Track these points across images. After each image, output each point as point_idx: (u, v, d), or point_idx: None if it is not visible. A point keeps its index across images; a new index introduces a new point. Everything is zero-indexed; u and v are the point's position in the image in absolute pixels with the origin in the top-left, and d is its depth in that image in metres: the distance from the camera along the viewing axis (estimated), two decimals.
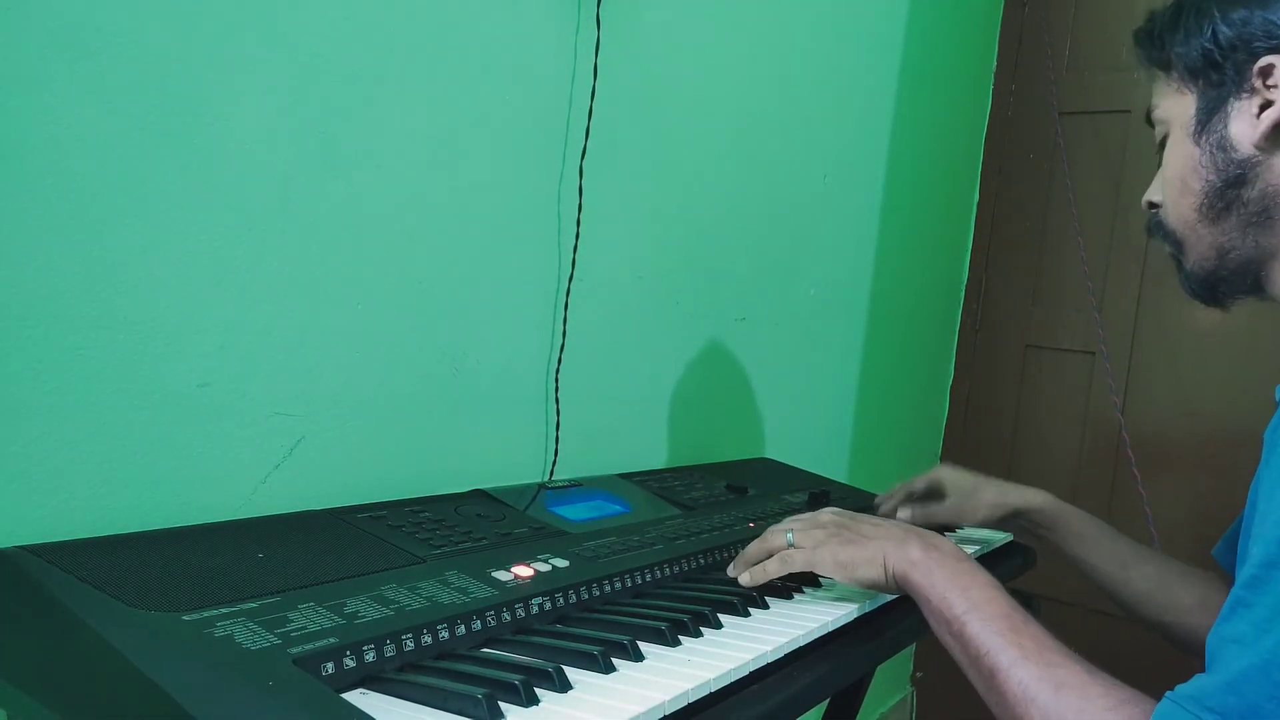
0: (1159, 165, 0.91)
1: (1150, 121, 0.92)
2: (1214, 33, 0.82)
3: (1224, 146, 0.83)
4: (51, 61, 0.71)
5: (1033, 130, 2.31)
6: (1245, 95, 0.81)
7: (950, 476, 1.22)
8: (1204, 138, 0.84)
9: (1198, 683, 0.65)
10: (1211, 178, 0.83)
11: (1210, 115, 0.84)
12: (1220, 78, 0.83)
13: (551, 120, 1.14)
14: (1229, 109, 0.82)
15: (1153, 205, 0.93)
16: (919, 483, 1.25)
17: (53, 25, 0.70)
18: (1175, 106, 0.87)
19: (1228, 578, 1.06)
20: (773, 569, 0.88)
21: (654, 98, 1.30)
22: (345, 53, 0.91)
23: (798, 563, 0.87)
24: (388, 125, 0.96)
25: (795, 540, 0.89)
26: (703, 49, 1.37)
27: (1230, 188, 0.83)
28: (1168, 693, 0.66)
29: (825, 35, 1.69)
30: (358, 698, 0.59)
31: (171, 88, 0.78)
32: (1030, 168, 2.32)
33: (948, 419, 2.45)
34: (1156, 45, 0.88)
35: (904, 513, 1.19)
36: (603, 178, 1.21)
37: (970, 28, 2.28)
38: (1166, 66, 0.88)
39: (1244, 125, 0.82)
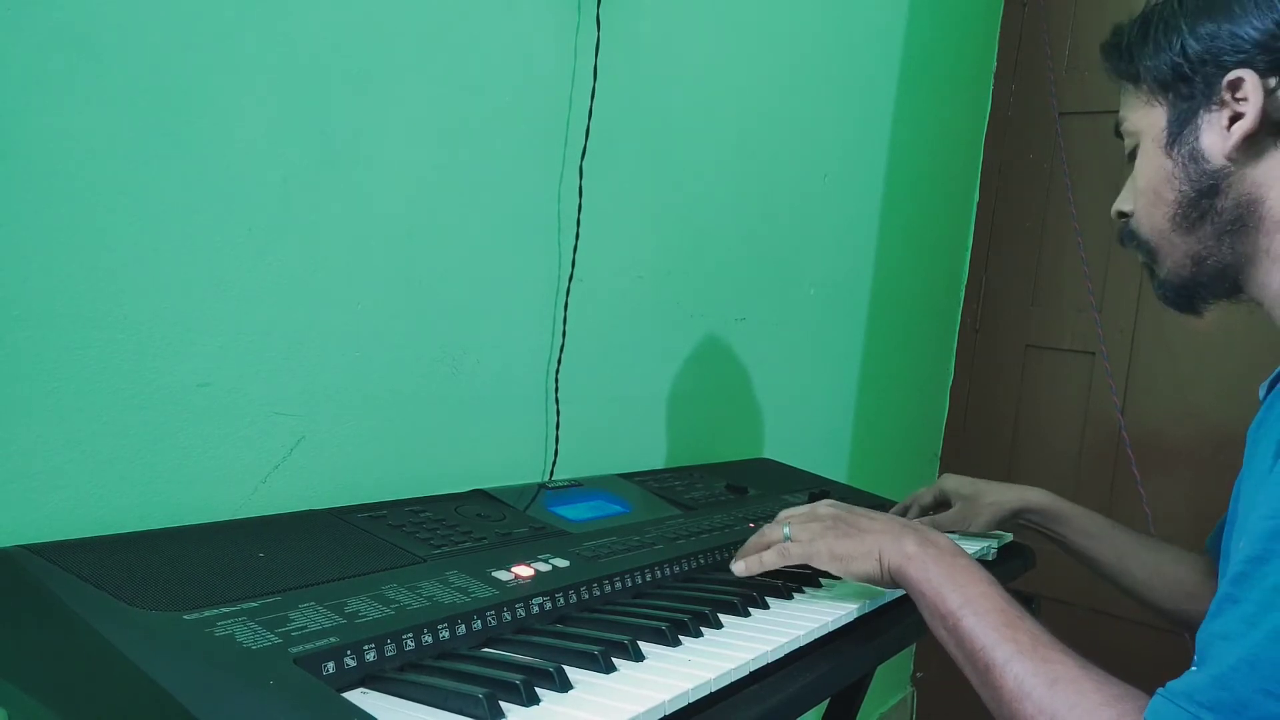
0: (1130, 175, 0.93)
1: (1119, 133, 0.93)
2: (1183, 46, 0.83)
3: (1196, 158, 0.84)
4: (51, 61, 0.71)
5: (1033, 130, 2.31)
6: (1215, 108, 0.83)
7: (953, 484, 1.25)
8: (1175, 149, 0.85)
9: (1189, 679, 0.66)
10: (1184, 188, 0.85)
11: (1182, 127, 0.85)
12: (1190, 90, 0.84)
13: (551, 120, 1.14)
14: (1199, 121, 0.84)
15: (1123, 215, 0.94)
16: (926, 495, 1.28)
17: (53, 25, 0.70)
18: (1145, 118, 0.88)
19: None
20: (769, 559, 0.89)
21: (654, 98, 1.30)
22: (345, 53, 0.91)
23: (794, 555, 0.88)
24: (388, 125, 0.96)
25: (792, 533, 0.89)
26: (703, 49, 1.37)
27: (1204, 198, 0.84)
28: (1159, 689, 0.67)
29: (825, 35, 1.69)
30: (358, 697, 0.59)
31: (172, 88, 0.78)
32: (1030, 168, 2.32)
33: (948, 419, 2.45)
34: (1125, 58, 0.90)
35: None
36: (603, 178, 1.21)
37: (970, 28, 2.28)
38: (1135, 79, 0.89)
39: (1215, 137, 0.83)
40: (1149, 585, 1.13)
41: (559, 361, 1.18)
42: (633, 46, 1.24)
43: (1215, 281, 0.87)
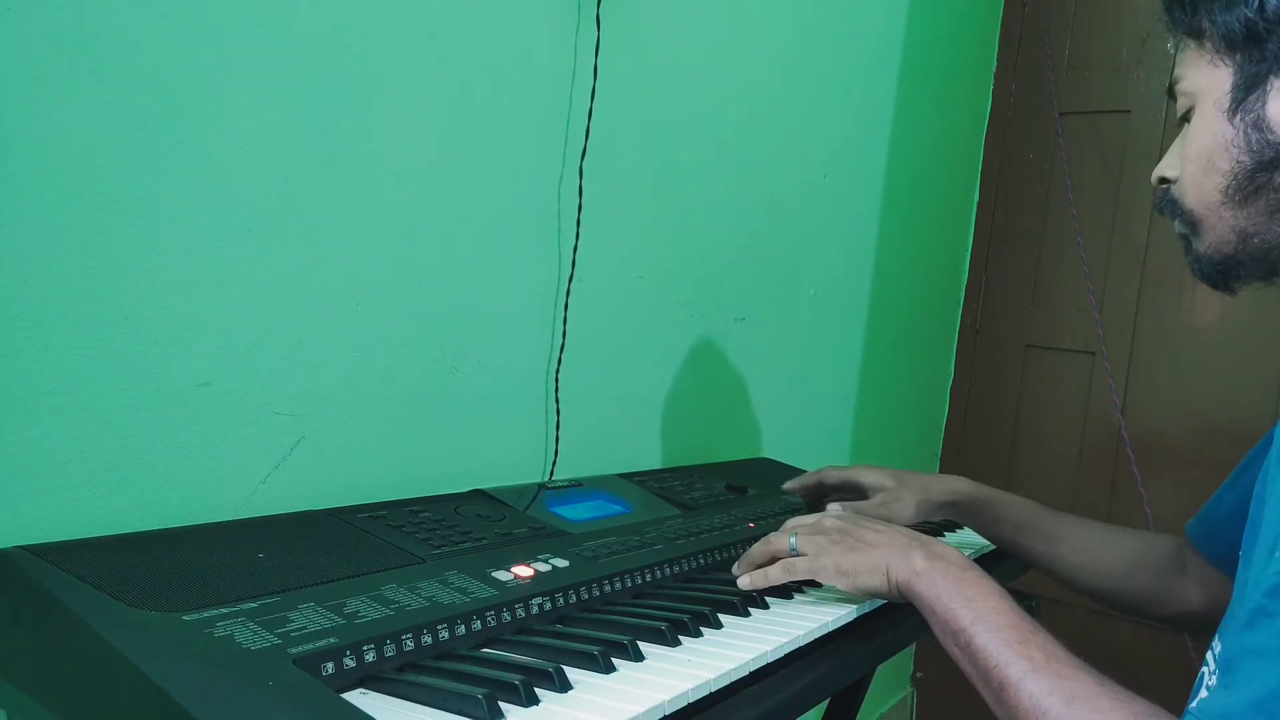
0: (1176, 139, 0.87)
1: (1173, 93, 0.86)
2: (1261, 2, 0.77)
3: (1260, 127, 0.78)
4: (51, 61, 0.71)
5: (1033, 130, 2.31)
6: None
7: (871, 477, 1.16)
8: (1238, 116, 0.79)
9: (1220, 699, 0.63)
10: (1243, 159, 0.79)
11: (1248, 92, 0.78)
12: (1262, 52, 0.77)
13: (551, 120, 1.14)
14: (1269, 86, 0.77)
15: (1165, 181, 0.88)
16: (833, 475, 1.19)
17: (53, 25, 0.70)
18: (1206, 79, 0.81)
19: (1186, 546, 1.07)
20: (775, 575, 0.87)
21: (654, 98, 1.30)
22: (345, 53, 0.91)
23: (800, 571, 0.87)
24: (388, 125, 0.96)
25: (798, 546, 0.88)
26: (702, 49, 1.37)
27: (1262, 170, 0.78)
28: (1189, 707, 0.64)
29: (825, 35, 1.69)
30: (358, 698, 0.59)
31: (172, 87, 0.78)
32: (1030, 168, 2.33)
33: (948, 419, 2.45)
34: (1188, 10, 0.82)
35: (834, 506, 1.14)
36: (603, 178, 1.21)
37: (970, 28, 2.28)
38: (1199, 35, 0.82)
39: None
40: (1081, 568, 1.09)
41: (559, 361, 1.18)
42: (633, 46, 1.24)
43: (1256, 261, 0.82)
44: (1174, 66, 0.87)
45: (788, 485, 1.24)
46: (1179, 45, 0.85)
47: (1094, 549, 1.10)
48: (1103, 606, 1.12)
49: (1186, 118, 0.85)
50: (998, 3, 2.37)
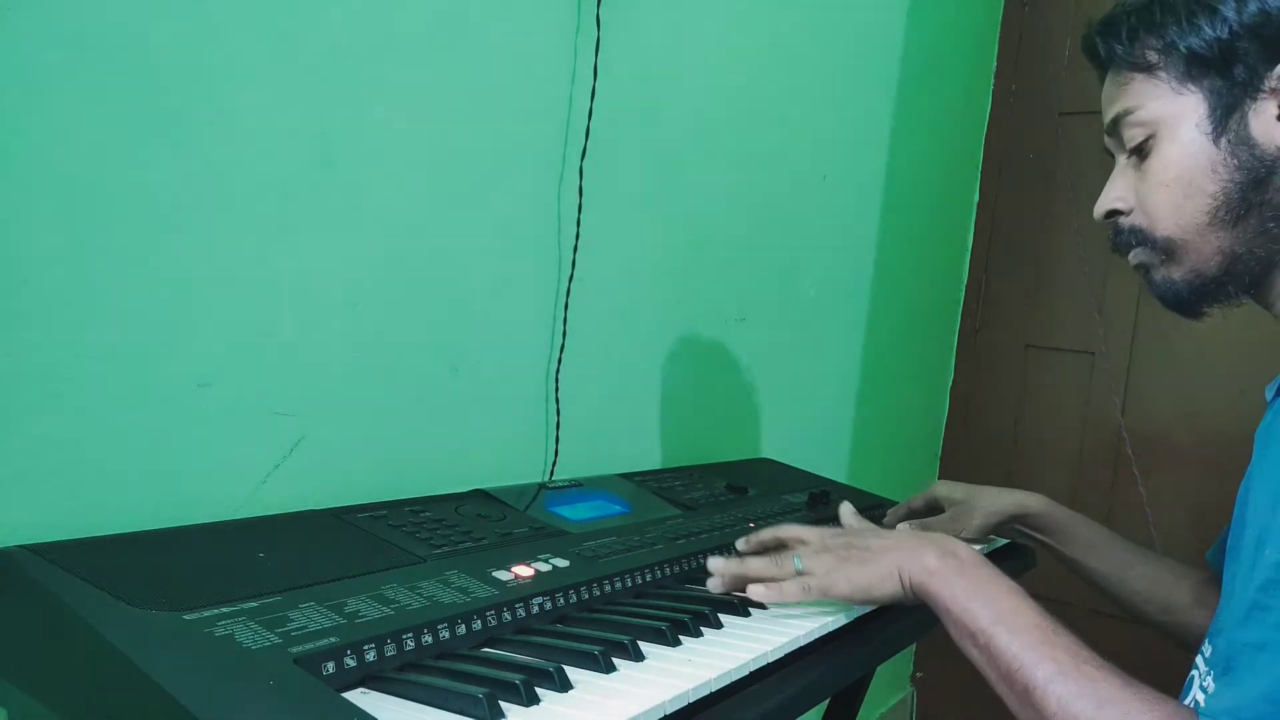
0: (1116, 171, 0.87)
1: (1117, 127, 0.86)
2: (1227, 25, 0.77)
3: (1248, 144, 0.78)
4: (51, 61, 0.71)
5: (1033, 130, 2.31)
6: (1265, 94, 0.77)
7: (946, 490, 1.21)
8: (1223, 136, 0.79)
9: (1227, 696, 0.63)
10: (1235, 178, 0.79)
11: (1228, 113, 0.79)
12: (1232, 74, 0.78)
13: (551, 120, 1.14)
14: (1246, 108, 0.78)
15: (1115, 214, 0.87)
16: (918, 500, 1.24)
17: (53, 25, 0.70)
18: (1171, 107, 0.81)
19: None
20: (790, 590, 0.83)
21: (654, 97, 1.30)
22: (345, 53, 0.91)
23: (815, 590, 0.83)
24: (388, 125, 0.96)
25: (805, 567, 0.85)
26: (703, 49, 1.37)
27: (1253, 189, 0.78)
28: (1200, 710, 0.65)
29: (825, 35, 1.69)
30: (358, 697, 0.59)
31: (172, 88, 0.78)
32: (1030, 168, 2.33)
33: (948, 419, 2.45)
34: (1127, 44, 0.83)
35: (902, 527, 1.19)
36: (603, 178, 1.21)
37: (970, 28, 2.28)
38: (1145, 67, 0.82)
39: (1266, 123, 0.78)
40: (1148, 598, 1.10)
41: (559, 361, 1.18)
42: (633, 46, 1.24)
43: (1236, 281, 0.82)
44: (1111, 102, 0.86)
45: (897, 525, 1.20)
46: (1118, 79, 0.85)
47: (1163, 580, 1.10)
48: (1169, 639, 1.12)
49: (1140, 149, 0.84)
50: (998, 3, 2.37)
